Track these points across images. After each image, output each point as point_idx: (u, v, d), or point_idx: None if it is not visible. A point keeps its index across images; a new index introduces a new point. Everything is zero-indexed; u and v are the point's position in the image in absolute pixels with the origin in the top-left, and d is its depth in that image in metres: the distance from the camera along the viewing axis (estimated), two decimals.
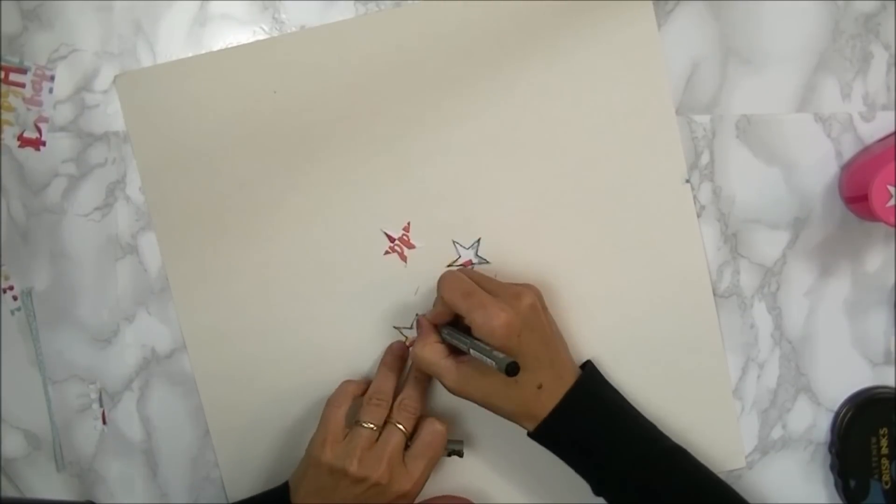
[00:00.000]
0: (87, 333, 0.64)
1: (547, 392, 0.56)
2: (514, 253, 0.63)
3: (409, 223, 0.63)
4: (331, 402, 0.60)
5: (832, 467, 0.65)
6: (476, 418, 0.63)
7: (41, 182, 0.64)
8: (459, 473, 0.64)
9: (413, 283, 0.63)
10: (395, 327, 0.64)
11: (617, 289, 0.63)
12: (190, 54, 0.63)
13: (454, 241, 0.63)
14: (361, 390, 0.61)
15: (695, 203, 0.64)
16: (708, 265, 0.64)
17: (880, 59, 0.64)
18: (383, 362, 0.62)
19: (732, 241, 0.64)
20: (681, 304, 0.64)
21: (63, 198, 0.64)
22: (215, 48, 0.63)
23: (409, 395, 0.60)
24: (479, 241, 0.63)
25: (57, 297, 0.64)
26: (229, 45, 0.63)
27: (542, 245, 0.63)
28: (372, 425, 0.58)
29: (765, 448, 0.65)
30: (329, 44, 0.63)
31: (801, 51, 0.64)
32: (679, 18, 0.63)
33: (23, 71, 0.63)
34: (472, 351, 0.55)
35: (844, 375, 0.65)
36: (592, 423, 0.57)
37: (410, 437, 0.59)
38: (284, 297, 0.63)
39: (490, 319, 0.55)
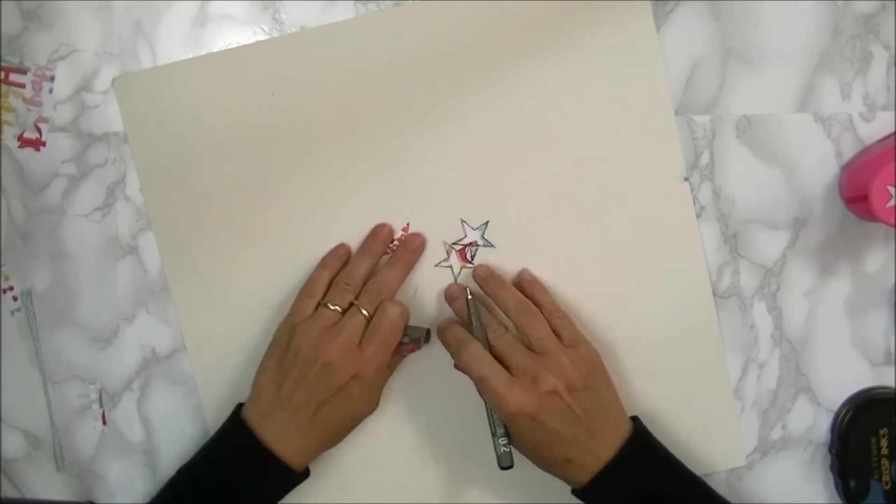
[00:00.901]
0: (87, 333, 0.64)
1: (576, 465, 0.55)
2: (513, 252, 0.63)
3: (408, 224, 0.63)
4: (303, 288, 0.60)
5: (832, 467, 0.64)
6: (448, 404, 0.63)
7: (41, 182, 0.64)
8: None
9: (412, 284, 0.63)
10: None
11: (617, 288, 0.63)
12: (190, 54, 0.63)
13: (462, 220, 0.63)
14: (335, 271, 0.61)
15: (695, 203, 0.64)
16: (708, 265, 0.64)
17: (880, 59, 0.64)
18: (362, 244, 0.62)
19: (732, 242, 0.64)
20: (681, 304, 0.64)
21: (63, 198, 0.64)
22: (215, 48, 0.63)
23: (380, 279, 0.60)
24: (486, 223, 0.63)
25: (57, 298, 0.64)
26: (229, 46, 0.63)
27: (541, 246, 0.63)
28: (337, 307, 0.58)
29: (765, 448, 0.65)
30: (329, 44, 0.63)
31: (801, 51, 0.64)
32: (679, 18, 0.63)
33: (23, 71, 0.63)
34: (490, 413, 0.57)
35: (844, 376, 0.65)
36: (646, 483, 0.55)
37: None
38: (284, 297, 0.63)
39: (501, 406, 0.55)
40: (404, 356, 0.62)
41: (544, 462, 0.57)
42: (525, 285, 0.61)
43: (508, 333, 0.58)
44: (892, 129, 0.64)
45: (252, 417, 0.58)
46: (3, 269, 0.64)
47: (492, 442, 0.57)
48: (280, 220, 0.63)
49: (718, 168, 0.64)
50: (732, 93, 0.64)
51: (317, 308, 0.59)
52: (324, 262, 0.62)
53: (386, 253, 0.62)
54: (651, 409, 0.62)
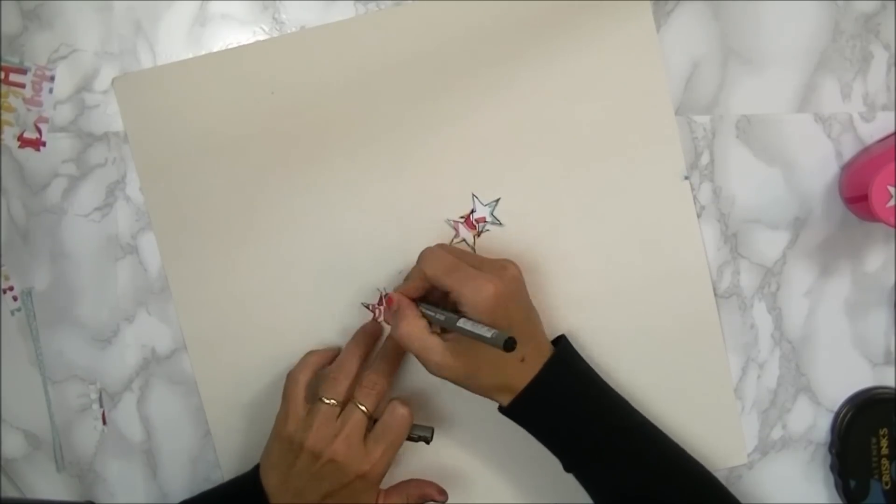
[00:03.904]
0: (87, 333, 0.64)
1: (528, 364, 0.56)
2: (512, 251, 0.63)
3: (387, 294, 0.63)
4: (292, 375, 0.60)
5: (832, 467, 0.64)
6: (448, 401, 0.63)
7: (41, 182, 0.64)
8: (432, 455, 0.63)
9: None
10: (362, 304, 0.63)
11: (618, 288, 0.63)
12: (190, 54, 0.63)
13: (473, 195, 0.63)
14: (325, 360, 0.61)
15: (695, 203, 0.64)
16: (708, 265, 0.64)
17: (880, 59, 0.64)
18: (352, 339, 0.62)
19: (732, 242, 0.64)
20: (681, 304, 0.64)
21: (63, 198, 0.64)
22: (215, 48, 0.63)
23: (374, 373, 0.59)
24: (497, 200, 0.63)
25: (57, 297, 0.64)
26: (229, 46, 0.63)
27: (540, 245, 0.63)
28: (332, 401, 0.58)
29: (765, 448, 0.65)
30: (329, 44, 0.63)
31: (801, 51, 0.64)
32: (679, 18, 0.63)
33: (23, 71, 0.63)
34: (460, 325, 0.53)
35: (844, 375, 0.65)
36: (566, 397, 0.57)
37: (377, 419, 0.59)
38: (284, 297, 0.63)
39: (479, 292, 0.54)
40: (427, 502, 0.61)
41: (503, 364, 0.56)
42: None
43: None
44: (892, 129, 0.64)
45: (267, 487, 0.58)
46: (3, 269, 0.64)
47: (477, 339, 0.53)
48: (280, 220, 0.63)
49: (718, 168, 0.64)
50: (732, 93, 0.64)
51: (313, 402, 0.59)
52: (314, 352, 0.62)
53: (372, 347, 0.62)
54: (652, 408, 0.62)
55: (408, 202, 0.63)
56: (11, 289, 0.64)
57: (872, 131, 0.64)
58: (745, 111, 0.64)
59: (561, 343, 0.59)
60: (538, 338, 0.58)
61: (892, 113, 0.64)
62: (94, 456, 0.64)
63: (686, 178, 0.63)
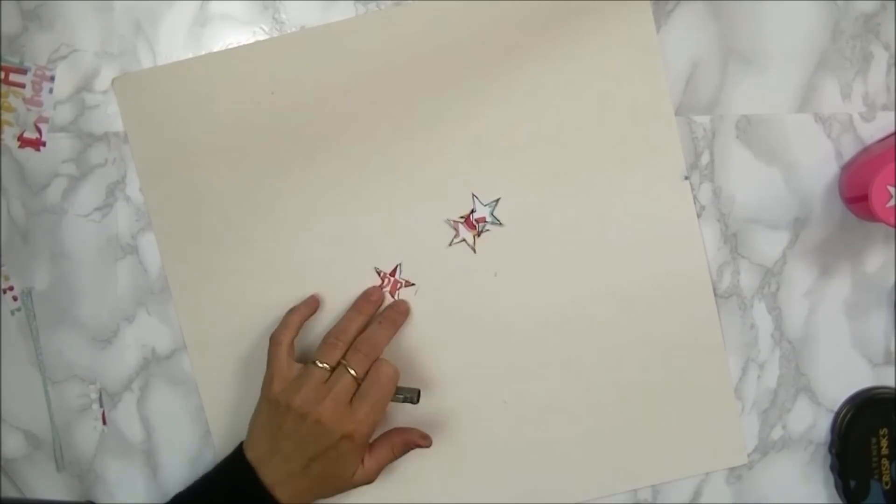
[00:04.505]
0: (87, 333, 0.64)
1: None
2: (515, 251, 0.63)
3: (396, 266, 0.63)
4: (274, 337, 0.60)
5: (832, 468, 0.64)
6: (433, 365, 0.63)
7: (41, 182, 0.64)
8: (418, 418, 0.63)
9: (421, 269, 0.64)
10: (375, 268, 0.63)
11: (617, 288, 0.63)
12: (190, 54, 0.63)
13: (473, 195, 0.63)
14: (304, 317, 0.61)
15: (695, 203, 0.64)
16: (708, 265, 0.64)
17: (880, 59, 0.64)
18: (353, 304, 0.62)
19: (732, 242, 0.64)
20: (682, 304, 0.64)
21: (63, 198, 0.64)
22: (215, 48, 0.63)
23: (368, 337, 0.60)
24: (497, 200, 0.63)
25: (57, 297, 0.64)
26: (229, 46, 0.63)
27: (540, 245, 0.63)
28: (325, 365, 0.58)
29: (765, 448, 0.65)
30: (329, 44, 0.63)
31: (801, 51, 0.64)
32: (679, 18, 0.63)
33: (23, 71, 0.63)
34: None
35: (844, 375, 0.65)
36: None
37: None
38: (284, 297, 0.63)
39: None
40: (412, 448, 0.61)
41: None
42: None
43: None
44: (892, 129, 0.64)
45: (252, 459, 0.58)
46: (3, 269, 0.64)
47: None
48: (280, 220, 0.63)
49: (718, 168, 0.64)
50: (732, 93, 0.64)
51: (305, 364, 0.59)
52: (294, 310, 0.62)
53: (372, 314, 0.62)
54: (652, 408, 0.62)
55: (408, 202, 0.63)
56: (11, 289, 0.64)
57: (872, 131, 0.64)
58: (745, 111, 0.64)
59: None
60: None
61: (892, 113, 0.64)
62: (94, 456, 0.65)
63: (686, 178, 0.63)
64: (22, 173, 0.63)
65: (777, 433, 0.65)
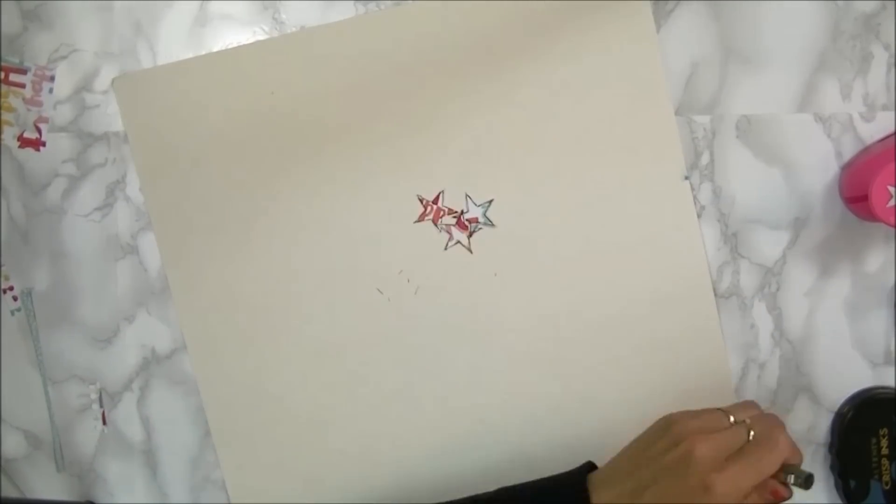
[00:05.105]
0: (87, 333, 0.64)
1: None
2: (513, 251, 0.63)
3: (442, 192, 0.63)
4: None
5: (832, 468, 0.64)
6: None
7: (41, 182, 0.64)
8: None
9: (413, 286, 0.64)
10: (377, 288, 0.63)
11: (617, 288, 0.63)
12: (190, 54, 0.63)
13: (466, 195, 0.63)
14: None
15: (695, 203, 0.64)
16: (708, 265, 0.64)
17: (880, 59, 0.64)
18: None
19: (732, 242, 0.64)
20: (682, 304, 0.64)
21: (63, 198, 0.64)
22: (215, 48, 0.63)
23: (776, 418, 0.54)
24: (490, 202, 0.63)
25: (57, 298, 0.64)
26: (229, 46, 0.63)
27: (540, 244, 0.63)
28: (731, 418, 0.52)
29: None
30: (329, 44, 0.63)
31: (801, 51, 0.64)
32: (679, 18, 0.63)
33: (23, 71, 0.63)
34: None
35: (844, 376, 0.65)
36: None
37: None
38: (284, 296, 0.63)
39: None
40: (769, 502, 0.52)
41: None
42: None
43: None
44: (892, 129, 0.64)
45: (593, 480, 0.53)
46: (3, 269, 0.64)
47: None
48: (280, 220, 0.63)
49: (718, 168, 0.64)
50: (732, 93, 0.64)
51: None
52: None
53: None
54: (652, 409, 0.62)
55: (405, 201, 0.63)
56: (11, 289, 0.64)
57: (872, 131, 0.64)
58: (745, 111, 0.64)
59: None
60: None
61: (892, 113, 0.64)
62: (94, 456, 0.65)
63: (686, 178, 0.63)
64: (22, 173, 0.64)
65: None
